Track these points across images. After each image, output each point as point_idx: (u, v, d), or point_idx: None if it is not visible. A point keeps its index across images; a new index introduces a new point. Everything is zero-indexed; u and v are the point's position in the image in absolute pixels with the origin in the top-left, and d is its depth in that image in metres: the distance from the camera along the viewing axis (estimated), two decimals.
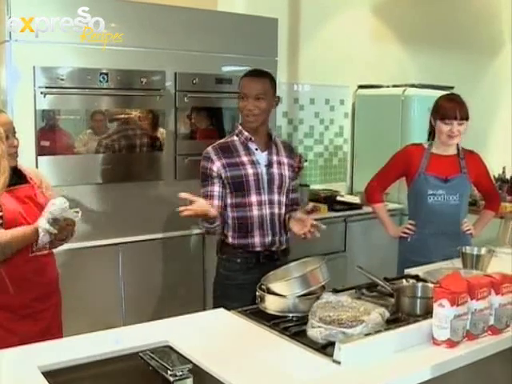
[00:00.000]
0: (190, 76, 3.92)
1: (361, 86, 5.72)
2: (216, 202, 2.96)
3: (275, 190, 3.03)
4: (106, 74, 3.59)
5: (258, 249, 3.02)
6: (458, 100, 3.42)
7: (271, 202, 3.02)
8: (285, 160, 3.09)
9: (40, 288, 2.59)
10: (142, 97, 3.79)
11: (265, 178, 3.00)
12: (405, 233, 3.56)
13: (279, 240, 3.06)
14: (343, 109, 5.77)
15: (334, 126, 5.72)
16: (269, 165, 3.02)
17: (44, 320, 2.60)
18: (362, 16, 5.76)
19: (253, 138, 3.01)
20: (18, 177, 2.55)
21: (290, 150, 3.19)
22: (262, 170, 3.00)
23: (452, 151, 3.48)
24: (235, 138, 3.04)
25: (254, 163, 2.99)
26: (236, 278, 3.02)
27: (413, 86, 5.39)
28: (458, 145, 3.48)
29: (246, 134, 3.01)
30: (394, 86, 5.47)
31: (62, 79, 3.45)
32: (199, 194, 2.93)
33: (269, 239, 3.02)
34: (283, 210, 3.07)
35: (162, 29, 3.76)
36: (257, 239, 3.01)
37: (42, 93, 3.39)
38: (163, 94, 3.83)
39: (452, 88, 5.49)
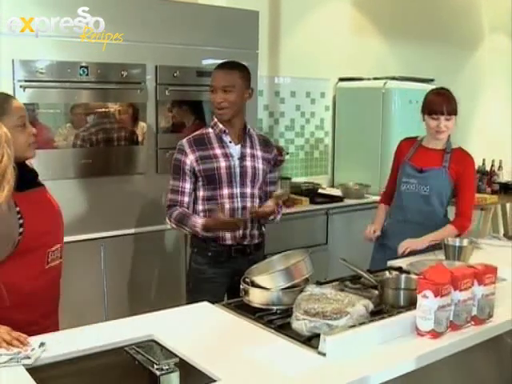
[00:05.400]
0: (171, 69, 3.90)
1: (341, 79, 5.73)
2: (186, 198, 2.99)
3: (248, 183, 3.02)
4: (86, 68, 3.56)
5: (229, 242, 3.00)
6: (447, 95, 3.38)
7: (243, 196, 3.01)
8: (259, 153, 3.08)
9: (48, 302, 2.40)
10: (123, 90, 3.76)
11: (237, 170, 2.99)
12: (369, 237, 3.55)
13: (250, 234, 3.05)
14: (324, 102, 5.77)
15: (314, 119, 5.73)
16: (242, 158, 3.02)
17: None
18: (343, 9, 5.77)
19: (227, 131, 3.00)
20: (25, 177, 2.26)
21: (266, 144, 3.16)
22: (235, 162, 2.99)
23: (441, 146, 3.43)
24: (210, 130, 3.04)
25: (227, 156, 2.98)
26: (206, 271, 3.01)
27: (393, 78, 5.42)
28: (448, 140, 3.43)
29: (221, 126, 3.00)
30: (375, 78, 5.49)
31: (42, 72, 3.41)
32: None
33: (239, 232, 3.01)
34: (256, 203, 3.06)
35: (142, 22, 3.73)
36: (227, 233, 2.99)
37: (21, 86, 3.35)
38: (144, 87, 3.80)
39: (432, 81, 5.52)
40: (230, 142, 3.02)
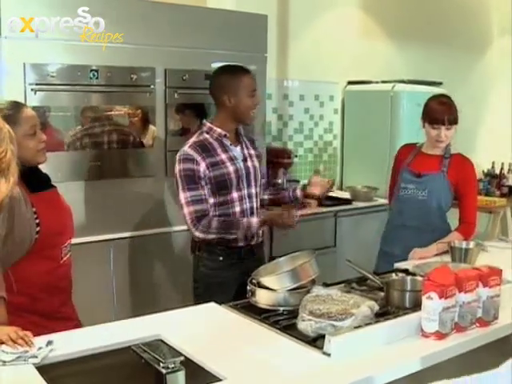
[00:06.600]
0: (180, 72, 3.92)
1: (350, 82, 5.74)
2: (209, 205, 2.94)
3: (252, 183, 3.06)
4: (97, 71, 3.59)
5: (241, 244, 3.02)
6: (448, 104, 3.35)
7: (250, 196, 3.05)
8: (252, 152, 3.12)
9: (66, 291, 2.57)
10: (132, 93, 3.78)
11: (243, 172, 3.01)
12: None
13: (257, 233, 3.09)
14: (332, 105, 5.78)
15: (323, 122, 5.74)
16: (244, 159, 3.04)
17: (74, 320, 2.55)
18: (351, 12, 5.78)
19: (227, 135, 2.99)
20: (39, 180, 2.47)
21: (251, 140, 3.21)
22: (240, 165, 3.01)
23: (440, 152, 3.42)
24: (206, 135, 2.99)
25: (232, 160, 2.98)
26: (218, 275, 3.00)
27: (402, 81, 5.42)
28: (448, 146, 3.41)
29: (219, 130, 2.97)
30: (383, 81, 5.49)
31: (53, 76, 3.44)
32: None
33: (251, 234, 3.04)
34: (259, 202, 3.12)
35: (151, 25, 3.76)
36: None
37: (32, 90, 3.38)
38: (153, 90, 3.83)
39: (441, 84, 5.53)
40: (231, 145, 3.02)
